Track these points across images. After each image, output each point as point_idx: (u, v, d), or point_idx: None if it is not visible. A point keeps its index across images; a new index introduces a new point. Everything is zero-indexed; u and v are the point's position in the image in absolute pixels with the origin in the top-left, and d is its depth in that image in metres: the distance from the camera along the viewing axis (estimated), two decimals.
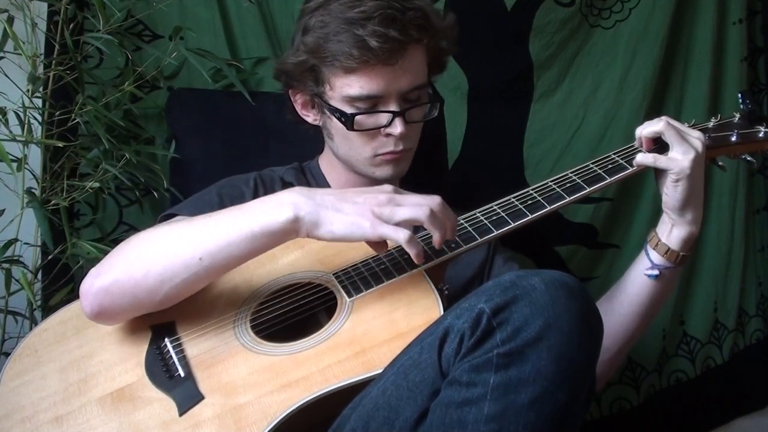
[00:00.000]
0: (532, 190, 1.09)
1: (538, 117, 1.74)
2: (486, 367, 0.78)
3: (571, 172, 1.10)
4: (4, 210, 1.38)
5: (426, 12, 1.14)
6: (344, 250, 1.07)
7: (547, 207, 1.06)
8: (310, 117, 1.24)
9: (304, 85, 1.19)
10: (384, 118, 1.14)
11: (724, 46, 1.80)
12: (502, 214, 1.06)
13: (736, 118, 1.17)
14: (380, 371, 0.89)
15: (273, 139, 1.50)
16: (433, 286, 0.99)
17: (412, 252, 0.95)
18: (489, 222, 1.05)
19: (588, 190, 1.07)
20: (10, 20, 1.35)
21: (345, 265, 1.05)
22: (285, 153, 1.38)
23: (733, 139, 1.13)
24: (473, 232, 1.05)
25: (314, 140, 1.30)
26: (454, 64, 1.66)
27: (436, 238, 0.96)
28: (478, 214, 1.07)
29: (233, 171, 1.27)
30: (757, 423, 1.91)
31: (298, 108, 1.24)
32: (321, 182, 1.28)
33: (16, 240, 1.40)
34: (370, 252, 1.04)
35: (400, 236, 0.93)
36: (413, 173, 1.25)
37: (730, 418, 1.90)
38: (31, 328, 1.23)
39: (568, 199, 1.06)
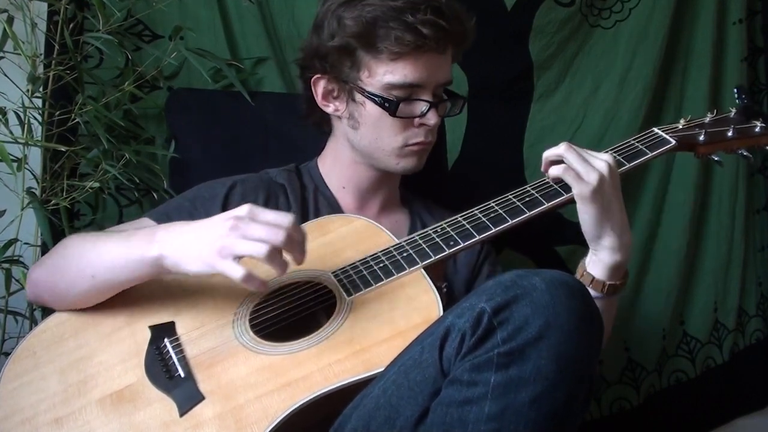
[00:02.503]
0: (530, 187, 1.09)
1: (538, 117, 1.74)
2: (487, 366, 0.78)
3: None
4: (5, 210, 1.38)
5: (461, 11, 1.17)
6: (343, 249, 1.07)
7: (545, 204, 1.06)
8: (331, 107, 1.21)
9: (337, 71, 1.17)
10: (420, 107, 1.15)
11: (724, 46, 1.80)
12: (500, 211, 1.06)
13: (733, 114, 1.18)
14: (380, 370, 0.89)
15: (273, 139, 1.50)
16: (432, 285, 0.99)
17: (250, 288, 0.92)
18: (487, 219, 1.06)
19: None
20: (10, 20, 1.35)
21: (344, 264, 1.05)
22: (285, 153, 1.38)
23: (730, 134, 1.14)
24: (471, 230, 1.05)
25: (314, 141, 1.29)
26: (454, 64, 1.65)
27: (296, 258, 0.94)
28: (476, 212, 1.08)
29: (233, 171, 1.27)
30: (757, 423, 1.91)
31: (317, 97, 1.21)
32: (318, 183, 1.28)
33: (16, 240, 1.39)
34: (368, 251, 1.04)
35: (236, 275, 0.90)
36: (413, 173, 1.25)
37: (730, 418, 1.90)
38: (31, 328, 1.23)
39: (566, 195, 1.06)
